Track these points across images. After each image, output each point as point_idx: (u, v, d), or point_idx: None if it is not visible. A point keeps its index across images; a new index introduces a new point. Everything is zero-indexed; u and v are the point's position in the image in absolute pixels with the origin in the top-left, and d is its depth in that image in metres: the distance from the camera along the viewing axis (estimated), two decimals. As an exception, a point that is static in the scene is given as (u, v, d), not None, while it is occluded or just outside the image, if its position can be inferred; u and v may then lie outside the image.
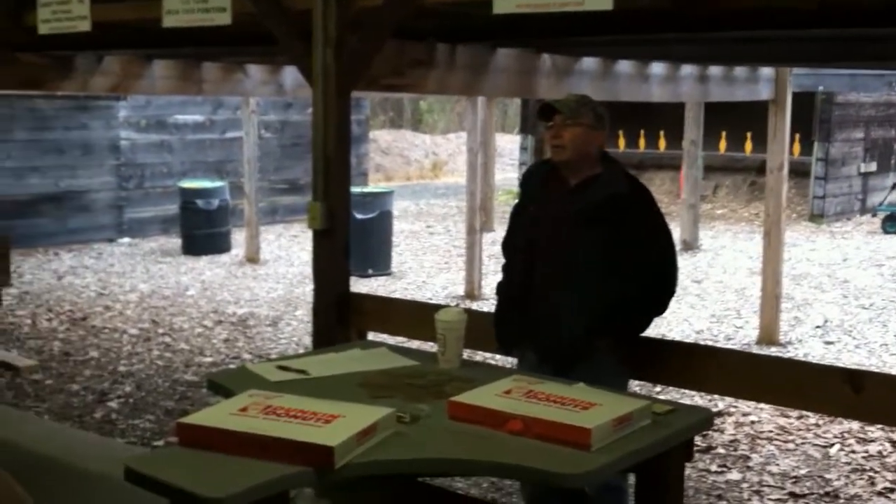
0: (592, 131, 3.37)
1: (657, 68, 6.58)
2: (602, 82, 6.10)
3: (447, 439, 2.42)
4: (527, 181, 3.67)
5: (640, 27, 4.43)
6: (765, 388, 3.26)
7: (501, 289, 3.58)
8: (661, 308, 3.42)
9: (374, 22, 4.15)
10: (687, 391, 5.75)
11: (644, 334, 3.42)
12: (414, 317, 4.10)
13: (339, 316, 4.30)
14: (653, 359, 3.44)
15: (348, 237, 4.36)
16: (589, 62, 5.99)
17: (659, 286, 3.38)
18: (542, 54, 5.63)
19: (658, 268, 3.37)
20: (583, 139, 3.35)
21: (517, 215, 3.60)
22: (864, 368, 6.59)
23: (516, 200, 3.72)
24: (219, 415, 2.40)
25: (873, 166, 15.70)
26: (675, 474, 2.63)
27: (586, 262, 3.28)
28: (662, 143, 16.67)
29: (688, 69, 6.86)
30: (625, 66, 6.29)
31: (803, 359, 6.95)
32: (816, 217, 14.73)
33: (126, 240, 12.90)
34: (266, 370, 2.99)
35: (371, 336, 4.44)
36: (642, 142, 17.04)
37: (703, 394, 5.91)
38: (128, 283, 10.04)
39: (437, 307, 3.35)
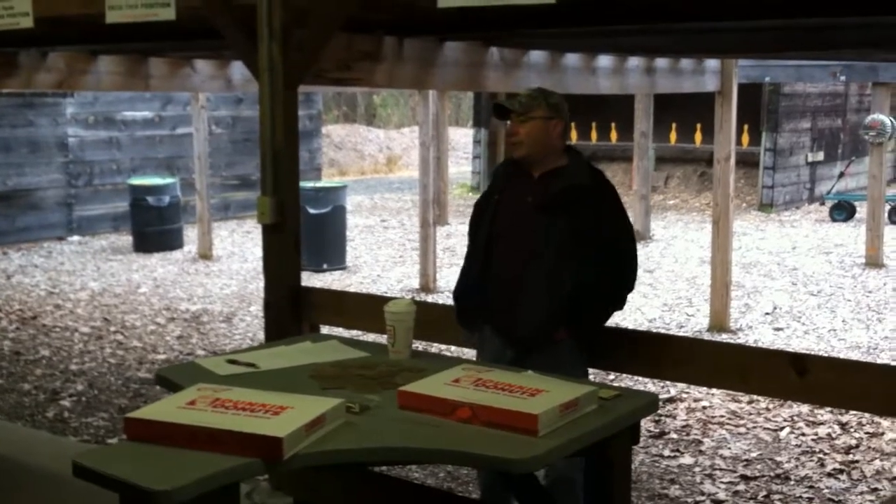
0: (548, 122, 3.40)
1: (604, 60, 6.63)
2: (550, 75, 6.13)
3: (397, 428, 2.44)
4: (496, 173, 3.72)
5: (586, 19, 4.46)
6: (712, 373, 3.32)
7: (464, 272, 3.62)
8: (618, 302, 3.47)
9: (320, 14, 4.14)
10: (640, 378, 5.82)
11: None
12: (366, 309, 4.11)
13: (291, 310, 4.29)
14: (605, 346, 3.48)
15: (299, 231, 4.35)
16: (537, 55, 6.02)
17: (617, 280, 3.41)
18: (490, 47, 5.65)
19: (617, 261, 3.40)
20: (539, 132, 3.39)
21: (482, 204, 3.63)
22: (812, 353, 6.72)
23: (484, 190, 3.77)
24: (167, 409, 2.40)
25: (821, 156, 15.95)
26: (623, 457, 2.66)
27: (547, 253, 3.32)
28: (614, 136, 16.81)
29: (635, 61, 6.93)
30: (572, 58, 6.33)
31: (751, 345, 7.06)
32: (766, 206, 14.93)
33: (76, 238, 12.74)
34: (215, 364, 2.99)
35: (324, 329, 4.44)
36: (594, 134, 17.16)
37: (655, 380, 6.00)
38: (78, 281, 9.93)
39: (389, 299, 3.37)
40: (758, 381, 3.28)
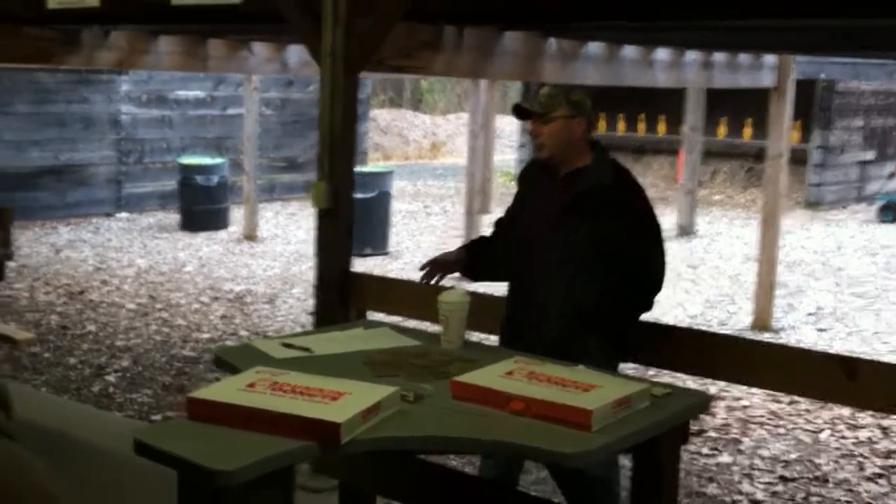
0: (571, 120, 3.30)
1: (662, 54, 6.61)
2: (607, 67, 6.12)
3: (450, 418, 2.47)
4: (523, 177, 3.64)
5: (649, 13, 4.44)
6: (760, 374, 3.31)
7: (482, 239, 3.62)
8: (645, 304, 3.35)
9: (385, 3, 4.17)
10: (680, 375, 5.81)
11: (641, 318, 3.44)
12: (414, 297, 4.14)
13: (339, 294, 4.34)
14: (649, 343, 3.48)
15: (352, 217, 4.40)
16: (594, 47, 6.01)
17: (643, 281, 3.31)
18: (549, 38, 5.65)
19: (642, 262, 3.31)
20: (562, 132, 3.30)
21: (511, 213, 3.59)
22: (857, 356, 6.67)
23: (513, 197, 3.70)
24: (227, 390, 2.45)
25: (871, 155, 15.75)
26: (671, 456, 2.68)
27: (573, 256, 3.25)
28: (662, 128, 16.70)
29: (692, 55, 6.89)
30: (630, 51, 6.32)
31: (796, 345, 7.02)
32: (813, 204, 14.79)
33: (124, 214, 12.93)
34: (271, 347, 3.03)
35: (370, 315, 4.49)
36: (642, 126, 17.07)
37: (696, 378, 5.98)
38: (125, 257, 10.08)
39: (438, 289, 3.39)
40: (808, 383, 3.27)
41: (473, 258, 3.60)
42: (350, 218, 4.38)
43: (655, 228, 3.34)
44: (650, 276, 3.32)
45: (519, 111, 3.42)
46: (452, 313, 3.10)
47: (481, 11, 4.77)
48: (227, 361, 2.92)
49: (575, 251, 3.25)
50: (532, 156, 3.82)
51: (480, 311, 3.32)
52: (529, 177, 3.57)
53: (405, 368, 2.85)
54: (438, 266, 3.63)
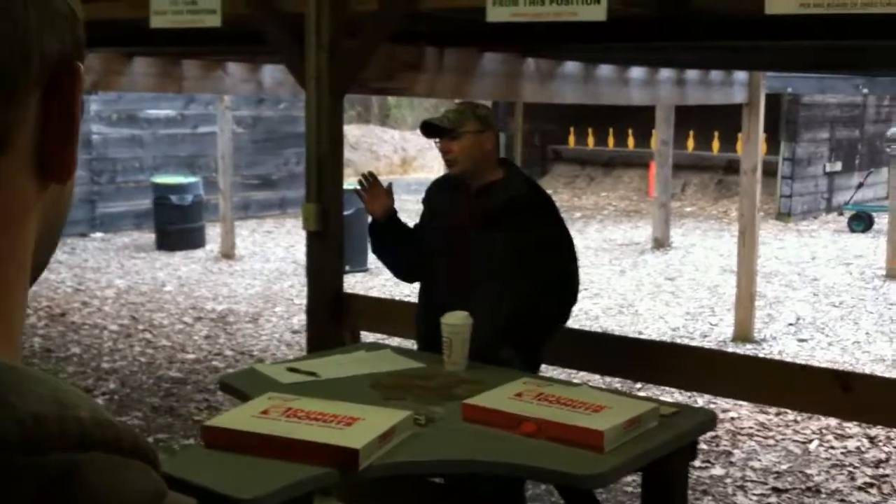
0: (480, 135, 3.36)
1: (636, 72, 6.69)
2: (584, 85, 6.19)
3: (463, 441, 2.50)
4: (429, 197, 3.67)
5: (628, 35, 4.52)
6: (759, 389, 3.37)
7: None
8: (563, 316, 3.38)
9: (369, 26, 4.21)
10: (667, 388, 5.87)
11: (651, 336, 3.49)
12: (409, 318, 4.15)
13: (332, 315, 4.36)
14: (646, 358, 3.53)
15: (342, 238, 4.42)
16: (571, 66, 6.08)
17: (559, 293, 3.33)
18: (527, 58, 5.71)
19: (557, 275, 3.33)
20: (472, 147, 3.35)
21: (421, 231, 3.61)
22: (838, 366, 6.76)
23: (420, 217, 3.73)
24: (242, 417, 2.46)
25: (838, 166, 15.96)
26: (681, 474, 2.72)
27: (488, 270, 3.27)
28: (631, 142, 16.85)
29: (666, 73, 6.98)
30: (606, 69, 6.39)
31: (778, 356, 7.10)
32: (784, 216, 14.96)
33: (99, 234, 12.84)
34: (276, 372, 3.05)
35: (365, 336, 4.51)
36: (611, 140, 17.21)
37: (681, 391, 6.04)
38: (104, 278, 10.01)
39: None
40: (802, 397, 3.33)
41: (395, 225, 3.62)
42: (340, 239, 4.41)
43: (569, 241, 3.39)
44: (566, 287, 3.35)
45: (428, 128, 3.43)
46: (455, 335, 3.12)
47: (462, 32, 4.83)
48: (235, 387, 2.93)
49: (490, 265, 3.27)
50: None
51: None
52: (437, 195, 3.61)
53: (413, 391, 2.87)
54: (377, 193, 3.69)
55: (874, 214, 13.89)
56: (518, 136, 16.83)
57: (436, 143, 3.46)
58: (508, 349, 3.27)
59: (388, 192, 3.64)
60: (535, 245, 3.26)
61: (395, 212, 3.68)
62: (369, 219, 3.77)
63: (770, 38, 4.63)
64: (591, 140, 17.26)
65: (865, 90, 10.67)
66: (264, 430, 2.35)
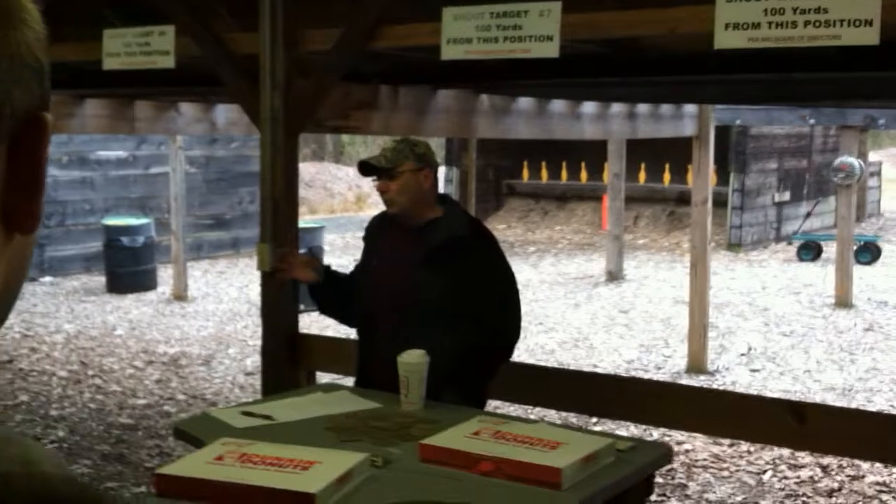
0: (418, 173, 3.30)
1: (588, 107, 6.77)
2: (537, 121, 6.25)
3: (421, 482, 2.48)
4: (369, 234, 3.61)
5: (580, 71, 4.57)
6: (713, 421, 3.39)
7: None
8: (504, 355, 3.34)
9: (323, 66, 4.22)
10: (622, 422, 5.88)
11: (606, 369, 3.51)
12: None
13: (288, 356, 4.32)
14: (602, 392, 3.54)
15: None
16: (524, 102, 6.14)
17: (500, 333, 3.28)
18: (481, 95, 5.76)
19: (499, 315, 3.28)
20: (410, 185, 3.29)
21: (361, 269, 3.56)
22: (790, 395, 6.84)
23: (361, 254, 3.68)
24: (195, 464, 2.42)
25: (787, 196, 16.23)
26: (639, 509, 2.72)
27: (428, 309, 3.20)
28: (584, 175, 17.00)
29: (617, 107, 7.07)
30: (558, 105, 6.46)
31: (732, 387, 7.16)
32: (734, 246, 15.15)
33: (48, 279, 12.64)
34: (231, 416, 3.01)
35: (319, 376, 4.47)
36: (564, 173, 17.35)
37: (637, 424, 6.06)
38: (52, 323, 9.85)
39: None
40: (757, 428, 3.36)
41: (332, 281, 3.53)
42: (296, 280, 4.37)
43: (511, 279, 3.35)
44: (508, 326, 3.31)
45: (365, 168, 3.37)
46: (412, 374, 3.11)
47: (416, 70, 4.86)
48: (189, 433, 2.88)
49: (430, 305, 3.21)
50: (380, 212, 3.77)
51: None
52: (376, 231, 3.56)
53: (369, 432, 2.85)
54: (296, 266, 3.61)
55: (822, 243, 14.12)
56: (472, 171, 16.88)
57: (373, 181, 3.39)
58: (450, 392, 3.21)
59: (310, 257, 3.60)
60: (475, 283, 3.20)
61: (326, 268, 3.61)
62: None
63: (719, 72, 4.71)
64: (544, 174, 17.40)
65: (812, 121, 10.88)
66: (219, 477, 2.32)
